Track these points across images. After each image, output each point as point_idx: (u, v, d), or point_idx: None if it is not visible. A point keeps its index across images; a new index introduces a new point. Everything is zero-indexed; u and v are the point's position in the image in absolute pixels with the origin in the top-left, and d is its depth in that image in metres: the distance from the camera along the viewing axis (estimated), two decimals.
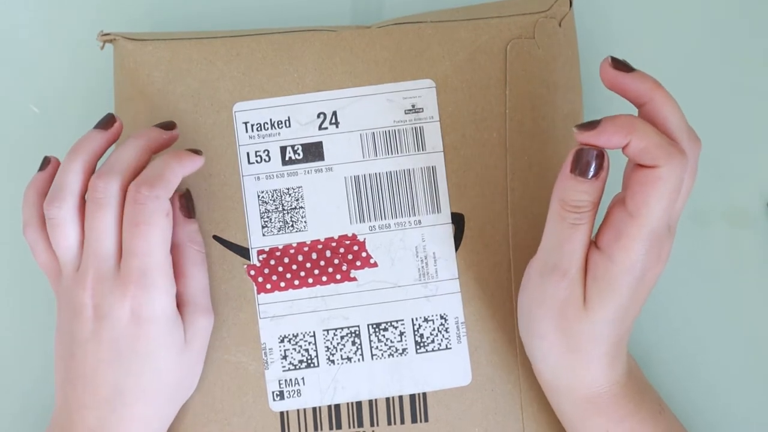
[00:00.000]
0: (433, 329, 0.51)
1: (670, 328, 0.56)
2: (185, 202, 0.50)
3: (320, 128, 0.51)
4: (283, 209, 0.51)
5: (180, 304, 0.49)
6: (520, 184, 0.51)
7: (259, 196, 0.51)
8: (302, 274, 0.51)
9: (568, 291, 0.45)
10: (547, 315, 0.46)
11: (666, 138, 0.42)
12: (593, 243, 0.45)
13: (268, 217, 0.51)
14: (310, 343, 0.51)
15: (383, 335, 0.51)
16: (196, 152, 0.49)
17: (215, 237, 0.51)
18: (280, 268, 0.51)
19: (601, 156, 0.43)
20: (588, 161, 0.43)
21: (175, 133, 0.50)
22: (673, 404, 0.54)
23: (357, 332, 0.51)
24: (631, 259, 0.43)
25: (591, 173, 0.43)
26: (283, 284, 0.51)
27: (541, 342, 0.47)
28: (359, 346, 0.51)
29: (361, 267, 0.51)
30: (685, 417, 0.54)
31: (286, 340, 0.51)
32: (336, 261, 0.51)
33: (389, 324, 0.51)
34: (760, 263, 0.57)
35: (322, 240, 0.51)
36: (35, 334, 0.56)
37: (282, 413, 0.51)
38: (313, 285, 0.51)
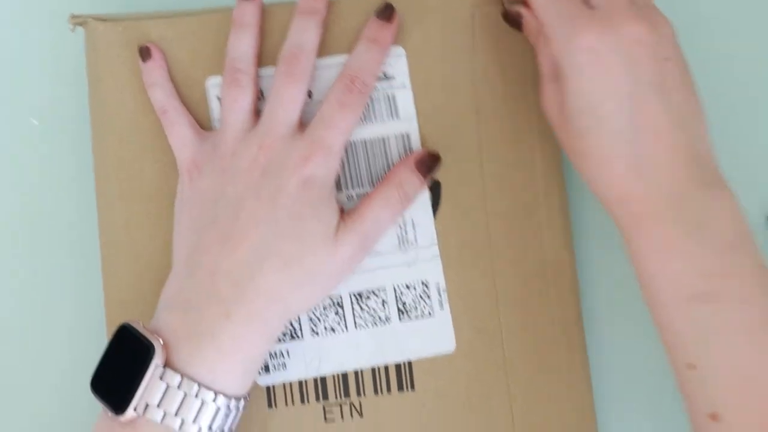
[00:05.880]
0: (415, 296, 0.51)
1: None
2: (429, 163, 0.51)
3: None
4: None
5: (348, 215, 0.49)
6: (493, 149, 0.52)
7: None
8: None
9: (544, 89, 0.48)
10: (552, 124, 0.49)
11: None
12: None
13: None
14: None
15: (366, 304, 0.51)
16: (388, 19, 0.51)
17: None
18: None
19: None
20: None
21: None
22: (676, 407, 0.53)
23: (339, 302, 0.51)
24: (548, 20, 0.47)
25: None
26: None
27: (571, 159, 0.48)
28: (342, 317, 0.51)
29: None
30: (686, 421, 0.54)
31: None
32: None
33: (371, 293, 0.51)
34: None
35: None
36: (36, 336, 0.56)
37: (268, 387, 0.51)
38: None
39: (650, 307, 0.46)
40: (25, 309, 0.56)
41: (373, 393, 0.51)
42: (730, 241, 0.44)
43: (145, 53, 0.51)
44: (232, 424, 0.47)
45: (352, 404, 0.51)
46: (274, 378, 0.51)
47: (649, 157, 0.45)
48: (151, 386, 0.44)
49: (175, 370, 0.45)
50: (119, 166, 0.52)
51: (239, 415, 0.47)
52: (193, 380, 0.45)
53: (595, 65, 0.45)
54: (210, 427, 0.45)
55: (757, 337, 0.43)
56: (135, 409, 0.44)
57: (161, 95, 0.51)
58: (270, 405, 0.51)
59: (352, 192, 0.51)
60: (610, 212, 0.47)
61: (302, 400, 0.51)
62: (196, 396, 0.45)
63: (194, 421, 0.45)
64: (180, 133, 0.50)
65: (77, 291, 0.56)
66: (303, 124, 0.49)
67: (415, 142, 0.51)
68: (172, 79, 0.51)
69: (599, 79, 0.45)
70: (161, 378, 0.45)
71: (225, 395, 0.45)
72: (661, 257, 0.45)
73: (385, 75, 0.51)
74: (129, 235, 0.51)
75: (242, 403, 0.47)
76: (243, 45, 0.50)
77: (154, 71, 0.51)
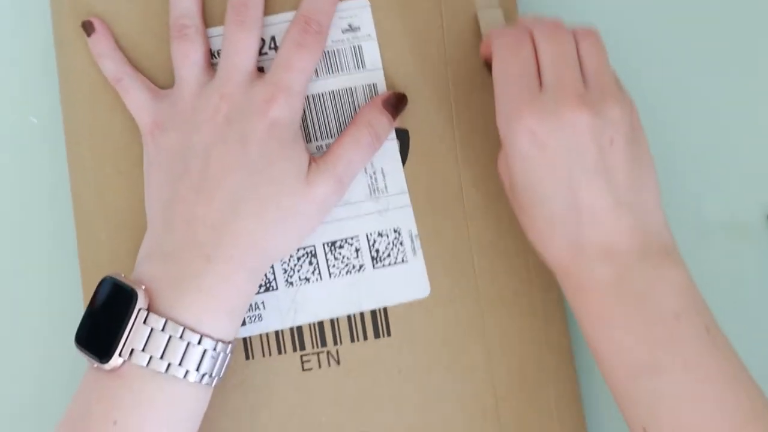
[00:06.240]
0: (388, 243, 0.51)
1: None
2: (395, 102, 0.51)
3: (261, 54, 0.51)
4: None
5: (320, 157, 0.49)
6: (464, 95, 0.52)
7: None
8: None
9: (500, 154, 0.49)
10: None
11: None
12: None
13: None
14: None
15: (339, 253, 0.51)
16: None
17: None
18: None
19: None
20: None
21: None
22: None
23: (313, 252, 0.51)
24: (497, 94, 0.48)
25: None
26: None
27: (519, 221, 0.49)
28: (316, 266, 0.51)
29: None
30: None
31: None
32: None
33: (344, 241, 0.51)
34: (760, 276, 0.56)
35: None
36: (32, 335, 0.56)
37: (245, 339, 0.51)
38: None
39: (601, 372, 0.47)
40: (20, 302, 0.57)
41: (349, 341, 0.51)
42: (674, 310, 0.45)
43: (88, 27, 0.51)
44: (220, 369, 0.47)
45: (329, 353, 0.51)
46: (251, 330, 0.51)
47: (589, 237, 0.45)
48: (136, 330, 0.45)
49: (160, 314, 0.45)
50: (90, 131, 0.52)
51: (227, 360, 0.47)
52: (178, 323, 0.45)
53: (534, 148, 0.45)
54: (197, 371, 0.45)
55: (700, 404, 0.44)
56: (120, 355, 0.44)
57: (112, 65, 0.51)
58: (247, 356, 0.51)
59: (321, 143, 0.51)
60: (556, 277, 0.48)
61: (279, 351, 0.51)
62: (181, 338, 0.45)
63: (180, 363, 0.45)
64: (136, 97, 0.50)
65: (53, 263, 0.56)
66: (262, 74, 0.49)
67: (382, 92, 0.52)
68: (143, 41, 0.51)
69: (538, 162, 0.45)
70: (145, 322, 0.45)
71: (211, 338, 0.46)
72: (604, 329, 0.46)
73: (350, 26, 0.52)
74: (102, 200, 0.52)
75: (229, 347, 0.47)
76: (185, 1, 0.50)
77: (99, 43, 0.51)
